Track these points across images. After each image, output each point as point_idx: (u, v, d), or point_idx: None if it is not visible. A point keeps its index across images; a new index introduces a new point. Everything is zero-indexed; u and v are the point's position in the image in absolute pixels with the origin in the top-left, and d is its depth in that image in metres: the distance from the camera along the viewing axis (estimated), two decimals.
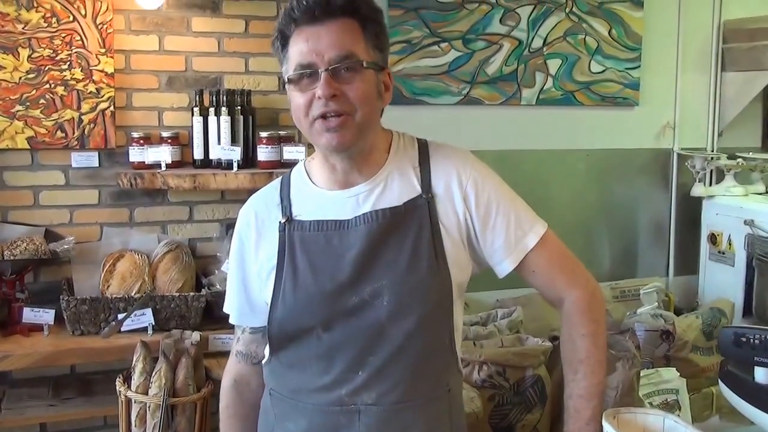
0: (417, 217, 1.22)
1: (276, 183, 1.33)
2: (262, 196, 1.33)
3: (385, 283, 1.20)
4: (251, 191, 2.56)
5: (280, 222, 1.26)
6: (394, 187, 1.24)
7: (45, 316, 2.31)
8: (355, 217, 1.22)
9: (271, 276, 1.26)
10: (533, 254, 1.27)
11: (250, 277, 1.31)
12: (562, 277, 1.30)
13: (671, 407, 2.50)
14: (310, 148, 2.64)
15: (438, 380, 1.27)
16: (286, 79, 1.20)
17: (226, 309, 1.37)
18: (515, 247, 1.27)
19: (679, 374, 2.60)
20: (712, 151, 3.42)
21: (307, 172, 1.30)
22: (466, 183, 1.25)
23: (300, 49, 1.16)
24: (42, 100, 2.46)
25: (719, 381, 1.70)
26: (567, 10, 3.10)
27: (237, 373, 1.39)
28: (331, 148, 1.19)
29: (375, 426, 1.22)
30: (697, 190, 3.31)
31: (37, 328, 2.31)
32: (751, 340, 1.58)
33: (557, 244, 1.31)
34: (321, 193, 1.27)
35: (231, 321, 1.37)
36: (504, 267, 1.28)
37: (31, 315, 2.31)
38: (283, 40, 1.19)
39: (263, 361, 1.34)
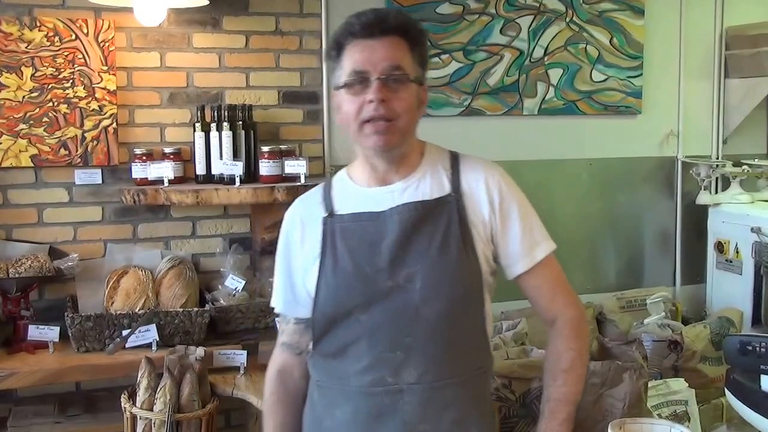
0: (447, 212, 1.36)
1: (318, 186, 1.48)
2: (306, 198, 1.48)
3: (418, 269, 1.33)
4: (254, 206, 2.61)
5: (323, 217, 1.40)
6: (426, 186, 1.38)
7: (50, 333, 2.32)
8: (389, 208, 1.36)
9: (315, 264, 1.39)
10: (541, 266, 1.41)
11: (295, 270, 1.43)
12: (562, 296, 1.44)
13: (680, 419, 2.48)
14: (312, 162, 2.66)
15: (473, 360, 1.39)
16: (341, 83, 1.33)
17: (273, 303, 1.49)
18: (528, 253, 1.40)
19: (687, 385, 2.57)
20: (717, 158, 3.40)
21: (348, 175, 1.45)
22: (493, 187, 1.39)
23: (355, 58, 1.31)
24: (45, 118, 2.48)
25: (725, 390, 1.68)
26: (567, 19, 3.10)
27: (281, 363, 1.48)
28: (377, 148, 1.33)
29: (418, 405, 1.33)
30: (703, 198, 3.29)
31: (42, 345, 2.32)
32: (757, 349, 1.57)
33: (559, 267, 1.45)
34: (360, 189, 1.41)
35: (277, 311, 1.48)
36: (515, 269, 1.41)
37: (36, 332, 2.32)
38: (339, 49, 1.33)
39: (308, 357, 1.44)
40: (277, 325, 1.48)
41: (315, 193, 1.46)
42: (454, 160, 1.42)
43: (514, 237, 1.39)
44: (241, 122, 2.54)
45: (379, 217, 1.36)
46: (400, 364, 1.33)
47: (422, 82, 1.37)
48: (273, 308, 1.50)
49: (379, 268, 1.34)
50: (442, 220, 1.36)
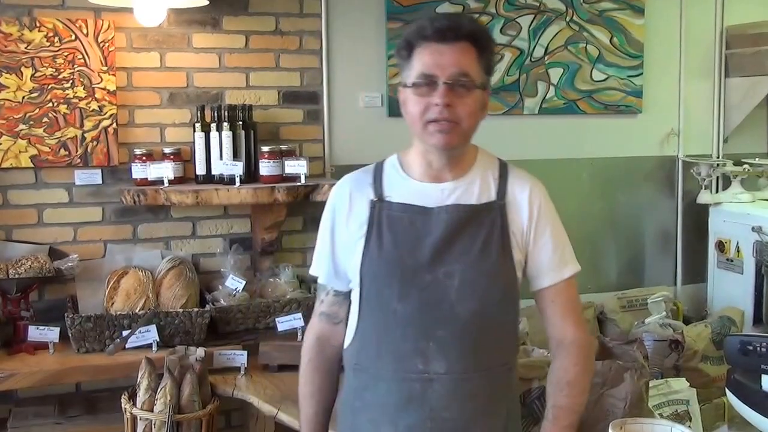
0: (490, 218, 1.43)
1: (368, 168, 1.51)
2: (355, 177, 1.51)
3: (458, 267, 1.39)
4: (254, 206, 2.60)
5: (371, 200, 1.45)
6: (475, 189, 1.44)
7: (50, 334, 2.31)
8: (438, 206, 1.42)
9: (359, 244, 1.44)
10: (565, 284, 1.47)
11: (338, 245, 1.48)
12: (576, 316, 1.50)
13: (682, 418, 2.47)
14: (312, 162, 2.66)
15: (499, 356, 1.46)
16: (409, 83, 1.38)
17: (314, 271, 1.54)
18: (556, 269, 1.47)
19: (689, 384, 2.57)
20: (718, 157, 3.39)
21: (400, 164, 1.48)
22: (535, 200, 1.47)
23: (425, 61, 1.36)
24: (45, 119, 2.48)
25: (726, 390, 1.68)
26: (567, 18, 3.10)
27: (319, 331, 1.54)
28: (439, 146, 1.39)
29: (445, 394, 1.40)
30: (704, 197, 3.28)
31: (42, 346, 2.31)
32: (758, 348, 1.57)
33: (577, 291, 1.52)
34: (412, 182, 1.45)
35: (320, 281, 1.53)
36: (541, 282, 1.48)
37: (36, 333, 2.31)
38: (409, 49, 1.39)
39: (347, 345, 1.49)
40: (317, 294, 1.55)
41: (366, 174, 1.49)
42: (503, 168, 1.50)
43: (546, 251, 1.46)
44: (241, 122, 2.53)
45: (427, 213, 1.41)
46: (431, 354, 1.40)
47: (486, 87, 1.44)
48: (312, 275, 1.55)
49: (420, 262, 1.39)
50: (485, 224, 1.42)
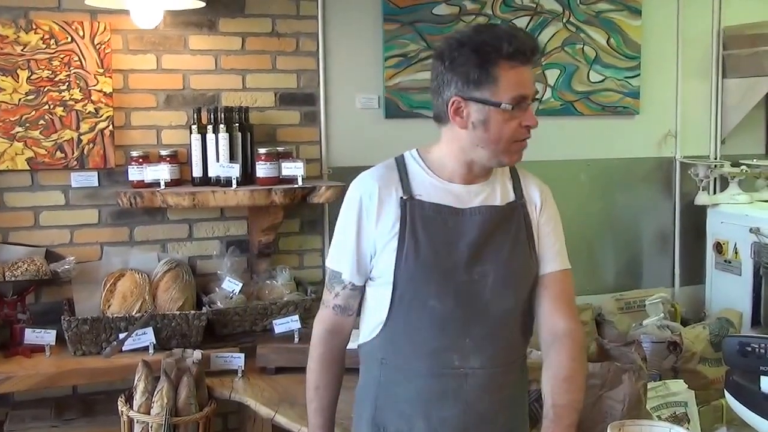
0: (516, 217, 1.49)
1: (390, 164, 1.51)
2: (380, 174, 1.50)
3: (491, 267, 1.44)
4: (251, 208, 2.60)
5: (401, 197, 1.45)
6: (498, 190, 1.50)
7: (46, 336, 2.30)
8: (470, 207, 1.46)
9: (392, 243, 1.45)
10: (562, 274, 1.52)
11: (365, 242, 1.48)
12: (570, 308, 1.52)
13: (680, 420, 2.47)
14: (309, 164, 2.66)
15: (520, 348, 1.54)
16: (499, 104, 1.38)
17: (334, 265, 1.53)
18: (555, 259, 1.52)
19: (687, 386, 2.57)
20: (715, 158, 3.39)
21: (424, 162, 1.50)
22: (542, 199, 1.54)
23: (518, 81, 1.38)
24: (41, 121, 2.47)
25: (724, 391, 1.67)
26: (564, 20, 3.10)
27: (332, 324, 1.55)
28: (512, 162, 1.48)
29: (480, 387, 1.45)
30: (701, 198, 3.28)
31: (38, 349, 2.31)
32: (757, 350, 1.57)
33: (572, 287, 1.56)
34: (441, 183, 1.48)
35: (344, 278, 1.51)
36: (541, 269, 1.52)
37: (32, 336, 2.31)
38: (489, 65, 1.37)
39: (372, 336, 1.50)
40: (329, 286, 1.55)
41: (390, 171, 1.49)
42: (514, 170, 1.55)
43: (547, 243, 1.52)
44: (237, 124, 2.53)
45: (460, 214, 1.45)
46: (468, 350, 1.45)
47: None
48: (332, 269, 1.53)
49: (457, 263, 1.43)
50: (513, 223, 1.48)
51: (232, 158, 2.50)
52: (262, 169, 2.49)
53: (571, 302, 1.53)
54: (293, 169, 2.49)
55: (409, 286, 1.44)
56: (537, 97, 1.46)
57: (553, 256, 1.52)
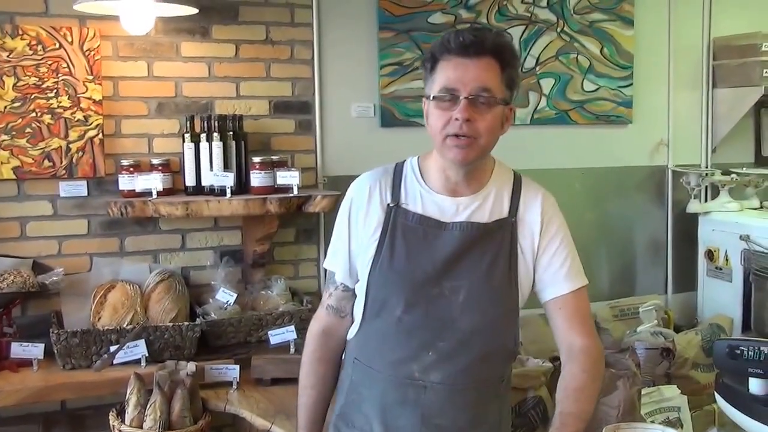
0: (501, 235, 1.46)
1: (389, 169, 1.53)
2: (378, 177, 1.52)
3: (464, 283, 1.43)
4: (245, 218, 2.56)
5: (388, 204, 1.47)
6: (488, 205, 1.47)
7: (34, 350, 2.24)
8: (453, 222, 1.45)
9: (371, 248, 1.46)
10: (574, 294, 1.49)
11: (354, 242, 1.51)
12: (585, 326, 1.51)
13: (673, 425, 2.50)
14: (304, 173, 2.63)
15: (495, 372, 1.51)
16: (430, 96, 1.41)
17: (329, 266, 1.56)
18: (565, 280, 1.49)
19: (680, 392, 2.59)
20: (707, 167, 3.42)
21: (420, 172, 1.50)
22: (545, 215, 1.49)
23: (448, 74, 1.39)
24: (28, 129, 2.42)
25: (715, 393, 1.71)
26: (558, 29, 3.11)
27: (326, 323, 1.58)
28: (456, 161, 1.42)
29: (437, 402, 1.44)
30: (693, 206, 3.31)
31: (26, 363, 2.25)
32: (745, 352, 1.61)
33: (588, 302, 1.54)
34: (429, 193, 1.48)
35: (338, 279, 1.54)
36: (551, 292, 1.50)
37: (19, 350, 2.24)
38: (433, 62, 1.41)
39: (352, 335, 1.53)
40: (326, 285, 1.60)
41: (386, 176, 1.51)
42: (517, 182, 1.52)
43: (556, 263, 1.48)
44: (231, 132, 2.49)
45: (442, 228, 1.45)
46: (429, 363, 1.44)
47: (509, 103, 1.45)
48: (328, 269, 1.57)
49: (429, 276, 1.43)
50: (495, 242, 1.45)
51: (226, 167, 2.46)
52: (256, 178, 2.46)
53: (586, 320, 1.52)
54: (288, 178, 2.46)
55: (380, 293, 1.45)
56: (486, 95, 1.37)
57: (563, 277, 1.49)
